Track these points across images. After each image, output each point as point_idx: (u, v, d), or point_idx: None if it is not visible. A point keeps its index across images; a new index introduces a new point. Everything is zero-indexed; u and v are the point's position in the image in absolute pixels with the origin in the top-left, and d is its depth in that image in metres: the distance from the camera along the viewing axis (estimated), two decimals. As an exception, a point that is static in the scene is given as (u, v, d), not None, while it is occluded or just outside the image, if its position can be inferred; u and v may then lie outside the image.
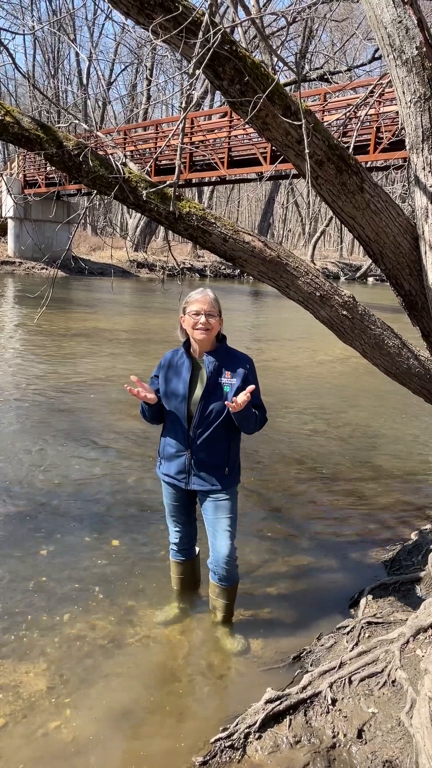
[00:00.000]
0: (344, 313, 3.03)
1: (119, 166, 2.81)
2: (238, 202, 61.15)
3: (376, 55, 22.38)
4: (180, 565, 3.32)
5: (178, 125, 2.77)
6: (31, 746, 2.36)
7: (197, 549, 3.36)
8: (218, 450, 2.88)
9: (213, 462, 2.90)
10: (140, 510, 4.48)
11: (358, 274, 43.40)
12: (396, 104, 2.74)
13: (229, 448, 2.91)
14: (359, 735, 2.33)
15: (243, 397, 2.66)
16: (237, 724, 2.41)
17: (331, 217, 35.24)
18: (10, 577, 3.48)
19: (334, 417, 7.44)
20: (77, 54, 40.63)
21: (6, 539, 3.90)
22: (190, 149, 19.22)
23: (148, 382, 3.07)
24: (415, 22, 2.48)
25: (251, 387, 2.68)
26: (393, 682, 2.51)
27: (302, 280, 2.97)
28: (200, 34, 2.31)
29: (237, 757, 2.29)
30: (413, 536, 4.14)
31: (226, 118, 18.96)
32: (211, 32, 2.28)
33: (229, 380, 2.83)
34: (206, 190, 39.02)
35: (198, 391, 2.86)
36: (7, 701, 2.57)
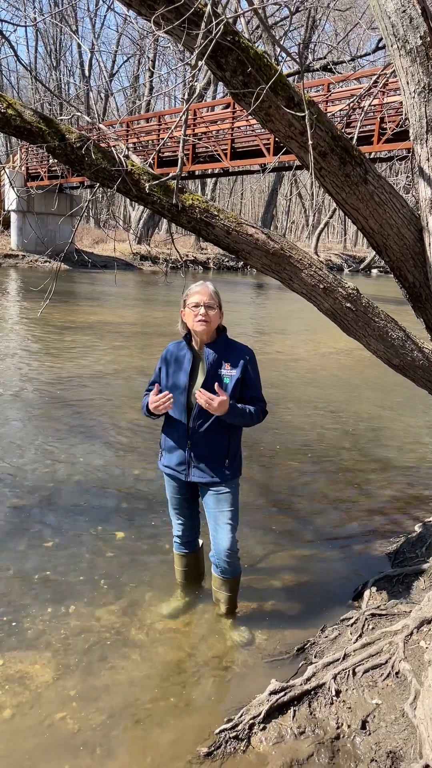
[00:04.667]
0: (348, 305, 3.02)
1: (122, 158, 2.80)
2: (242, 194, 60.91)
3: (380, 45, 22.20)
4: (183, 558, 3.33)
5: (181, 117, 2.76)
6: (37, 737, 2.38)
7: (201, 541, 3.37)
8: (218, 442, 2.88)
9: (213, 454, 2.90)
10: (144, 502, 4.49)
11: (361, 266, 43.26)
12: (400, 94, 2.72)
13: (230, 441, 2.92)
14: (363, 726, 2.34)
15: (210, 400, 2.68)
16: (241, 715, 2.42)
17: (335, 209, 35.09)
18: (16, 570, 3.50)
19: (338, 409, 7.44)
20: (79, 45, 40.43)
21: (11, 532, 3.92)
22: (193, 141, 19.13)
23: (150, 375, 3.08)
24: (419, 11, 2.46)
25: (222, 398, 2.69)
26: (397, 673, 2.51)
27: (306, 272, 2.96)
28: (202, 24, 2.30)
29: (241, 748, 2.31)
30: (417, 528, 4.14)
31: (228, 110, 18.86)
32: (214, 23, 2.26)
33: (229, 372, 2.84)
34: (209, 182, 38.89)
35: (199, 383, 2.86)
36: (14, 692, 2.60)
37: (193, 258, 34.17)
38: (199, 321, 2.79)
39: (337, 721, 2.39)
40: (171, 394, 2.80)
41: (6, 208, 29.12)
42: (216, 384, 2.74)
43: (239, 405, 2.81)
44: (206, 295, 2.81)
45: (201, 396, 2.70)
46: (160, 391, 2.87)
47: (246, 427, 2.96)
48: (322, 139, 2.60)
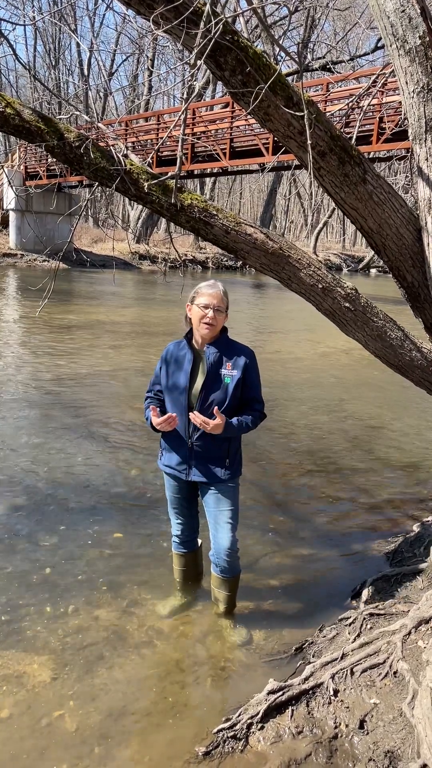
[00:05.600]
0: (346, 305, 3.02)
1: (120, 157, 2.79)
2: (240, 193, 60.88)
3: (379, 45, 22.21)
4: (182, 557, 3.33)
5: (180, 116, 2.75)
6: (35, 736, 2.38)
7: (199, 541, 3.37)
8: (218, 441, 2.88)
9: (213, 453, 2.90)
10: (143, 502, 4.49)
11: (360, 266, 43.27)
12: (399, 94, 2.72)
13: (230, 440, 2.92)
14: (361, 726, 2.34)
15: (211, 424, 2.74)
16: (239, 715, 2.42)
17: (334, 209, 35.08)
18: (14, 569, 3.49)
19: (336, 409, 7.44)
20: (78, 44, 40.43)
21: (10, 532, 3.92)
22: (192, 140, 19.12)
23: (150, 374, 3.08)
24: (419, 11, 2.45)
25: (217, 420, 2.74)
26: (395, 673, 2.52)
27: (304, 272, 2.96)
28: (201, 24, 2.29)
29: (239, 747, 2.31)
30: (415, 528, 4.14)
31: (227, 109, 18.86)
32: (213, 22, 2.26)
33: (229, 372, 2.84)
34: (208, 181, 38.86)
35: (199, 382, 2.86)
36: (12, 692, 2.59)
37: (192, 257, 34.15)
38: (206, 324, 2.79)
39: (335, 720, 2.39)
40: (175, 415, 2.83)
41: (4, 207, 29.09)
42: (215, 408, 2.76)
43: (235, 420, 2.82)
44: (217, 298, 2.81)
45: (195, 419, 2.75)
46: (165, 396, 2.92)
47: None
48: (321, 138, 2.60)
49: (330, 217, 40.26)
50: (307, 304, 3.14)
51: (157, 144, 20.68)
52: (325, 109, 12.69)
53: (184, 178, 20.77)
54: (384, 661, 2.58)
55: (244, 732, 2.35)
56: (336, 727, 2.36)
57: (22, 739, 2.36)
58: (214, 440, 2.87)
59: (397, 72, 2.61)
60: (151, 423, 2.89)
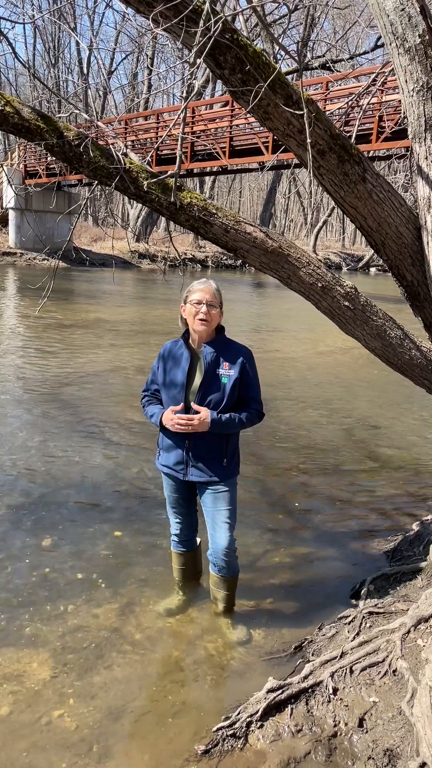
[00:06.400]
0: (346, 303, 3.02)
1: (120, 156, 2.79)
2: (240, 192, 60.84)
3: (379, 43, 22.18)
4: (181, 556, 3.33)
5: (179, 115, 2.75)
6: (34, 734, 2.38)
7: (198, 540, 3.37)
8: (216, 441, 2.88)
9: (211, 453, 2.90)
10: (142, 501, 4.49)
11: (360, 265, 43.26)
12: (399, 92, 2.71)
13: (228, 440, 2.91)
14: (360, 724, 2.35)
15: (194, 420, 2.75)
16: (239, 713, 2.42)
17: (333, 207, 35.06)
18: (14, 568, 3.50)
19: (336, 408, 7.44)
20: (77, 43, 40.42)
21: (9, 530, 3.92)
22: (192, 139, 19.10)
23: (149, 373, 3.08)
24: (418, 9, 2.45)
25: (201, 415, 2.75)
26: (394, 671, 2.52)
27: (304, 271, 2.96)
28: (201, 22, 2.29)
29: (239, 746, 2.31)
30: (414, 527, 4.14)
31: (227, 108, 18.84)
32: (212, 20, 2.25)
33: (227, 371, 2.83)
34: (208, 180, 38.84)
35: (196, 382, 2.86)
36: (11, 690, 2.60)
37: (191, 256, 34.14)
38: (200, 320, 2.79)
39: (334, 719, 2.39)
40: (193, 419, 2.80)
41: (4, 206, 29.07)
42: (192, 402, 2.76)
43: (225, 416, 2.80)
44: (209, 293, 2.81)
45: (180, 428, 2.76)
46: (183, 409, 2.86)
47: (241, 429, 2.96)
48: (321, 137, 2.60)
49: (330, 215, 40.23)
50: (307, 303, 3.14)
51: (156, 142, 20.67)
52: (324, 108, 12.68)
53: (183, 177, 20.77)
54: (383, 660, 2.58)
55: (243, 730, 2.36)
56: (335, 726, 2.36)
57: (21, 737, 2.37)
58: (211, 440, 2.87)
59: (397, 70, 2.61)
60: (161, 420, 2.88)
